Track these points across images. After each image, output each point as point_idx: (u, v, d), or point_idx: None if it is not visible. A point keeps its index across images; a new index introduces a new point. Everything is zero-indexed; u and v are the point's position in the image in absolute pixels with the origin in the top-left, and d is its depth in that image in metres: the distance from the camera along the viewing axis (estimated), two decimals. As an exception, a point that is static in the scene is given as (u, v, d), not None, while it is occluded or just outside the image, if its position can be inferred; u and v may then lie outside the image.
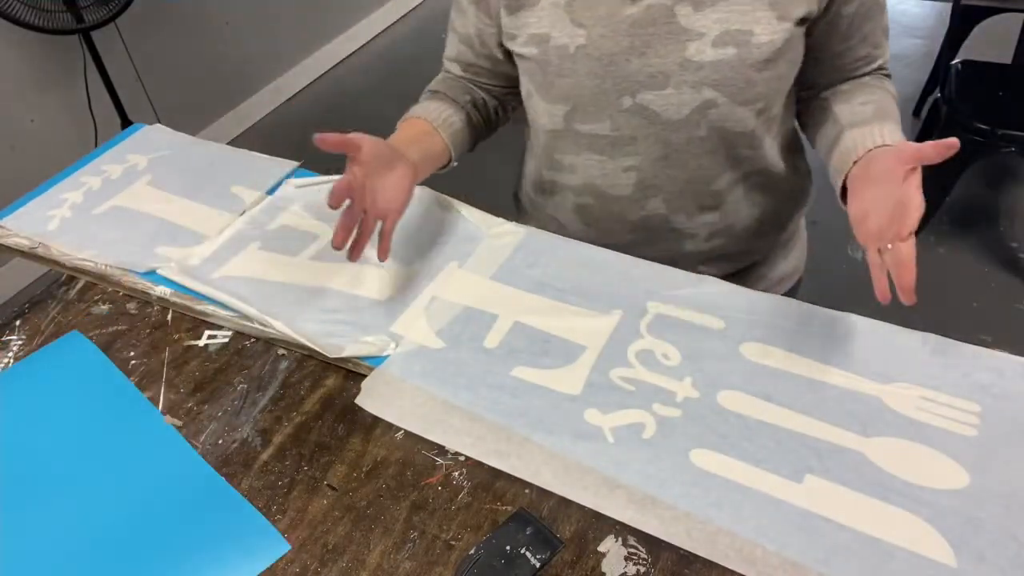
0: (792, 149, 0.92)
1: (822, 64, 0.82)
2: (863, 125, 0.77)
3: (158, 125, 1.16)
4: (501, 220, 0.91)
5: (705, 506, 0.61)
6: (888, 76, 0.86)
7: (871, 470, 0.63)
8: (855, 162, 0.74)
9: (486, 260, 0.86)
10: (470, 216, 0.92)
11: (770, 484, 0.62)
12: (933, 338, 0.73)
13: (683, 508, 0.61)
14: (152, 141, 1.11)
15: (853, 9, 0.77)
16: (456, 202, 0.94)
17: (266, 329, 0.79)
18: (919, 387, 0.69)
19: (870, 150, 0.73)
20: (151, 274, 0.86)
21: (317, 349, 0.75)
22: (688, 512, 0.60)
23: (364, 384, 0.73)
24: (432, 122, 0.89)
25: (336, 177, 1.00)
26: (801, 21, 0.75)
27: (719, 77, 0.75)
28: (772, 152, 0.86)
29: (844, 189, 0.76)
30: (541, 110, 0.85)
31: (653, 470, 0.63)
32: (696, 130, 0.79)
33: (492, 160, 1.04)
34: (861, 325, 0.74)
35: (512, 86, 0.93)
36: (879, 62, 0.84)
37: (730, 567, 0.57)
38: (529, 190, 0.99)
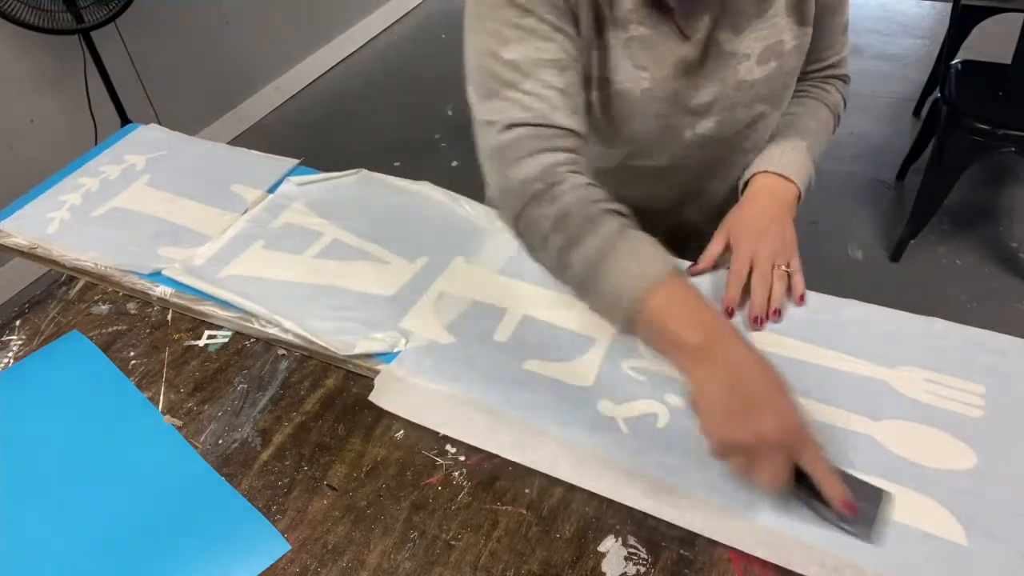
0: None
1: None
2: (771, 143, 0.82)
3: (154, 125, 1.15)
4: None
5: (720, 493, 0.61)
6: (841, 78, 0.87)
7: (881, 453, 0.64)
8: (748, 179, 0.81)
9: (493, 254, 0.86)
10: (475, 211, 0.92)
11: None
12: (937, 322, 0.74)
13: (699, 496, 0.61)
14: (149, 141, 1.11)
15: (823, 1, 0.77)
16: (461, 198, 0.94)
17: (266, 329, 0.79)
18: (925, 370, 0.70)
19: (755, 173, 0.80)
20: (155, 275, 0.86)
21: (328, 347, 0.75)
22: (705, 500, 0.61)
23: (376, 381, 0.73)
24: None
25: (336, 174, 1.00)
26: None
27: (768, 91, 0.76)
28: None
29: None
30: (592, 153, 0.77)
31: (668, 459, 0.64)
32: (745, 142, 0.81)
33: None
34: (867, 312, 0.75)
35: None
36: (832, 59, 0.85)
37: (747, 551, 0.58)
38: None
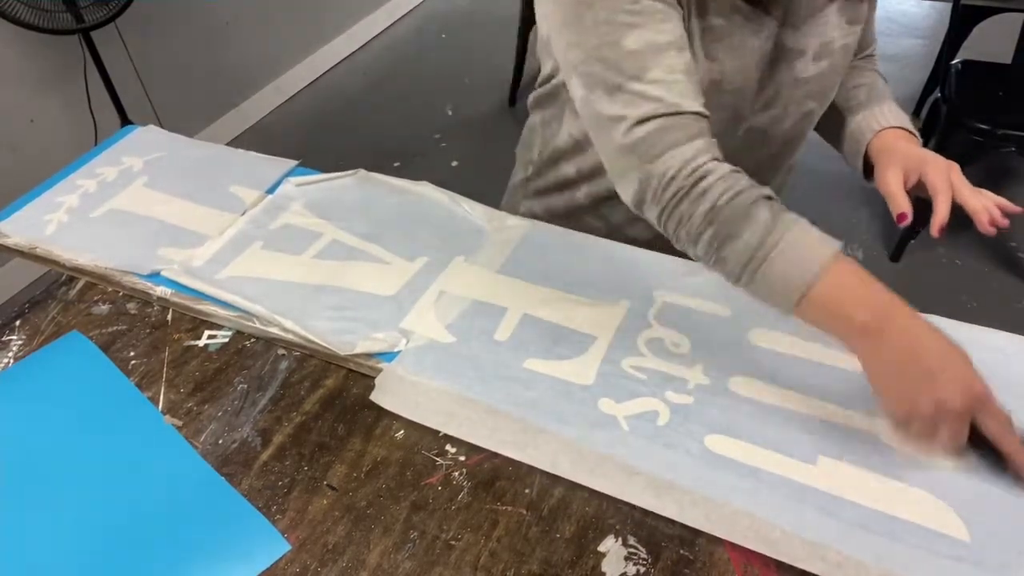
0: None
1: None
2: (862, 109, 0.82)
3: (151, 126, 1.15)
4: (505, 215, 0.92)
5: (723, 490, 0.61)
6: (873, 56, 0.90)
7: (882, 449, 0.64)
8: (867, 144, 0.80)
9: (492, 254, 0.86)
10: (475, 211, 0.92)
11: (785, 466, 0.63)
12: (935, 319, 0.74)
13: (701, 492, 0.61)
14: (146, 143, 1.11)
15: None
16: (461, 198, 0.94)
17: (267, 328, 0.79)
18: None
19: (877, 132, 0.79)
20: (154, 276, 0.86)
21: (328, 347, 0.75)
22: (706, 496, 0.61)
23: (377, 380, 0.73)
24: None
25: (335, 175, 1.00)
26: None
27: (819, 88, 0.77)
28: None
29: (865, 169, 0.82)
30: None
31: (669, 456, 0.64)
32: (790, 140, 0.81)
33: (492, 154, 1.04)
34: None
35: None
36: (869, 49, 0.88)
37: (750, 547, 0.58)
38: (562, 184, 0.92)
